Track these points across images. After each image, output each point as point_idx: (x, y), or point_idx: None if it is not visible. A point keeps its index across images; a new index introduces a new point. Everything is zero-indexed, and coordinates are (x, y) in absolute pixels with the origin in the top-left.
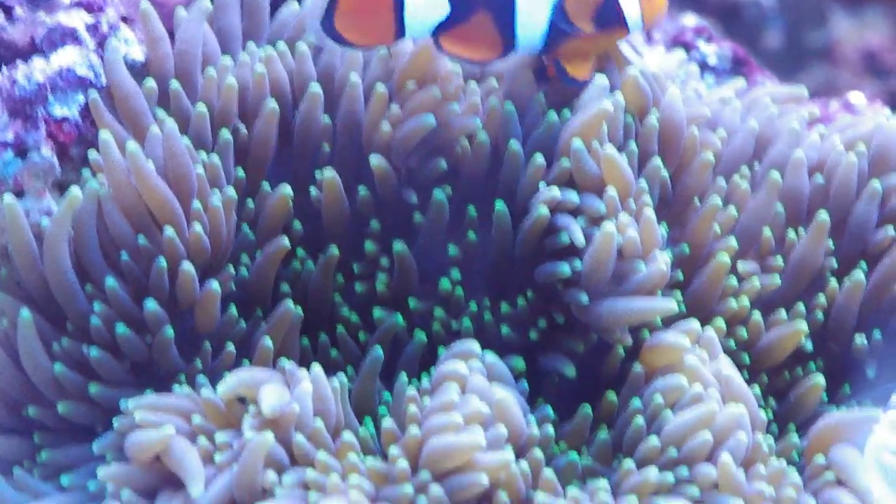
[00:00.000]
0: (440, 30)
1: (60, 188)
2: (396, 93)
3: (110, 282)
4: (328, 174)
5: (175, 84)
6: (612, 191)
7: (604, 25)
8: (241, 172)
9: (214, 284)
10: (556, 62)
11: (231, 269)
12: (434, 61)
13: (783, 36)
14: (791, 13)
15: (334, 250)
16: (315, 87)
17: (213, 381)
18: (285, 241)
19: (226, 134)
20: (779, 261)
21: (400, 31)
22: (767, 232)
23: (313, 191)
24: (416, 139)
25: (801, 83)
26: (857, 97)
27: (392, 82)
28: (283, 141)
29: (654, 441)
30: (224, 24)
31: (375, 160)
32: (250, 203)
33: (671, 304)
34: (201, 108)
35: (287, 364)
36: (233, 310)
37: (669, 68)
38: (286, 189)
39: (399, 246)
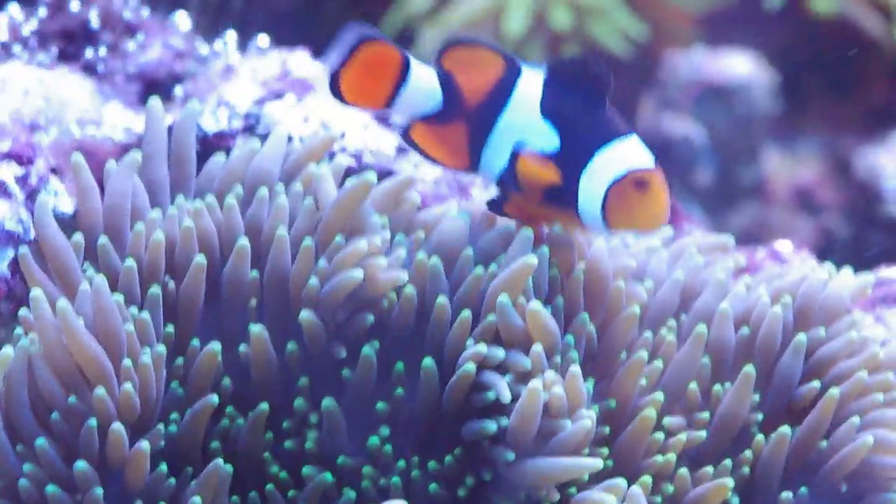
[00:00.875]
0: (423, 119)
1: None
2: (322, 247)
3: (40, 442)
4: (256, 330)
5: (103, 239)
6: (537, 346)
7: (553, 205)
8: (169, 328)
9: (144, 444)
10: (492, 204)
11: (160, 427)
12: (358, 211)
13: (714, 173)
14: (722, 149)
15: (264, 406)
16: (242, 241)
17: None
18: (214, 398)
19: (155, 289)
20: (705, 415)
21: (389, 103)
22: (694, 385)
23: (242, 346)
24: (344, 294)
25: (732, 220)
26: (783, 245)
27: (318, 234)
28: (212, 295)
29: None
30: (153, 175)
31: (305, 315)
32: (179, 360)
33: (597, 462)
34: (130, 263)
35: None
36: (163, 467)
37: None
38: (215, 346)
39: (328, 402)
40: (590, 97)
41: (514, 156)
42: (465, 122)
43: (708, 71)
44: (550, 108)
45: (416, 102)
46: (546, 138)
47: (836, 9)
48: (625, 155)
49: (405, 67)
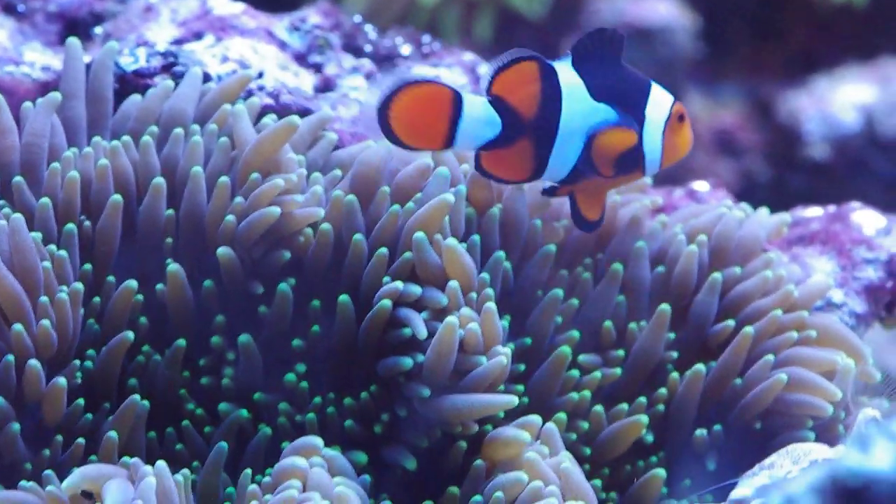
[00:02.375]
0: (486, 147)
1: None
2: (239, 184)
3: None
4: (172, 268)
5: (18, 178)
6: (454, 283)
7: (624, 171)
8: (87, 266)
9: (61, 380)
10: (571, 198)
11: (77, 363)
12: (277, 151)
13: None
14: None
15: (180, 343)
16: (158, 179)
17: (62, 475)
18: (129, 334)
19: (70, 227)
20: (620, 353)
21: (450, 142)
22: (609, 324)
23: (159, 285)
24: (261, 230)
25: None
26: (700, 185)
27: (235, 173)
28: (128, 234)
29: None
30: (70, 114)
31: (222, 251)
32: (96, 299)
33: (511, 399)
34: (45, 200)
35: (132, 459)
36: (79, 402)
37: None
38: (131, 283)
39: (244, 338)
40: (611, 62)
41: (588, 144)
42: (528, 137)
43: (630, 14)
44: (597, 89)
45: (475, 134)
46: (605, 118)
47: None
48: (660, 99)
49: (458, 103)
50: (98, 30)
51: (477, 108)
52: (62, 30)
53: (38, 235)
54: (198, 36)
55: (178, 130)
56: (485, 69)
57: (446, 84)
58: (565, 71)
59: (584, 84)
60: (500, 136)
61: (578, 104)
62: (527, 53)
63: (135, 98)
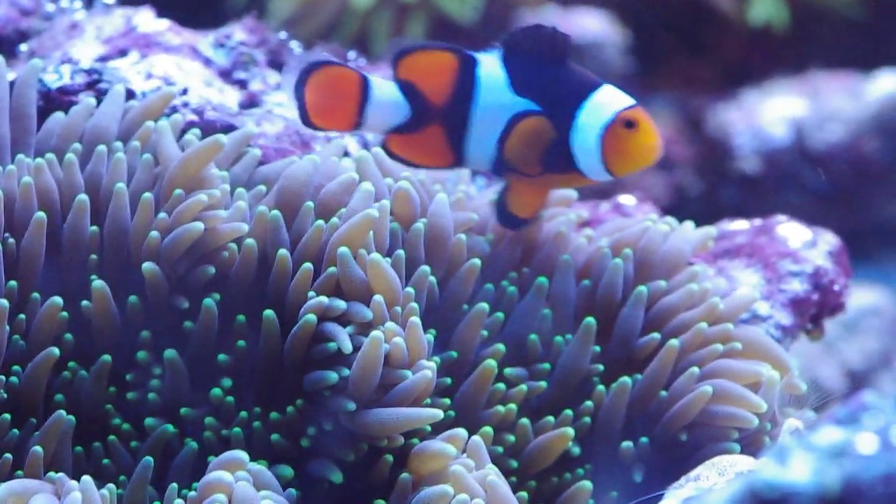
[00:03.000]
0: (393, 132)
1: None
2: (163, 201)
3: None
4: (97, 284)
5: None
6: (378, 298)
7: (552, 168)
8: (12, 283)
9: None
10: (499, 196)
11: (2, 379)
12: (202, 169)
13: None
14: None
15: (106, 358)
16: (81, 197)
17: None
18: (55, 350)
19: None
20: (546, 366)
21: (358, 124)
22: (534, 337)
23: (85, 302)
24: (185, 246)
25: None
26: (626, 199)
27: (159, 190)
28: (53, 251)
29: None
30: None
31: (147, 266)
32: (21, 316)
33: (437, 413)
34: None
35: (58, 474)
36: (5, 417)
37: (441, 174)
38: (56, 300)
39: (170, 353)
40: (552, 61)
41: (502, 139)
42: (439, 123)
43: (560, 28)
44: (521, 84)
45: (384, 117)
46: (528, 111)
47: None
48: (606, 101)
49: (365, 86)
50: (23, 47)
51: (385, 92)
52: None
53: None
54: (122, 53)
55: (102, 148)
56: None
57: (354, 68)
58: (489, 62)
59: (508, 77)
60: (409, 121)
61: (496, 96)
62: (442, 44)
63: (58, 115)
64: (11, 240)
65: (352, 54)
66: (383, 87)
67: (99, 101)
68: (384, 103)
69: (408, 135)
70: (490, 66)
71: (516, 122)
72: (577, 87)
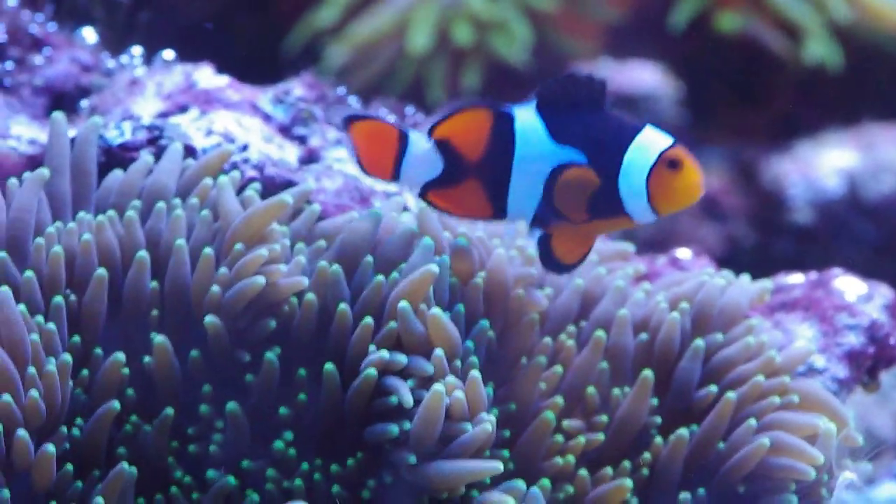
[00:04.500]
0: (430, 186)
1: None
2: (224, 256)
3: None
4: (158, 339)
5: (2, 253)
6: (439, 352)
7: (599, 214)
8: (75, 338)
9: (50, 447)
10: (542, 240)
11: (64, 431)
12: (266, 226)
13: None
14: None
15: (169, 411)
16: (142, 254)
17: None
18: (115, 404)
19: (58, 300)
20: (604, 418)
21: (395, 175)
22: (592, 390)
23: (146, 358)
24: (246, 300)
25: (640, 229)
26: (683, 252)
27: (218, 245)
28: (114, 307)
29: None
30: (55, 189)
31: (210, 319)
32: (84, 371)
33: (497, 465)
34: (29, 274)
35: None
36: (69, 468)
37: (498, 226)
38: (119, 356)
39: (231, 406)
40: (588, 106)
41: (549, 187)
42: (475, 177)
43: (615, 81)
44: (561, 132)
45: (419, 170)
46: (571, 160)
47: (741, 26)
48: (649, 144)
49: (404, 140)
50: (84, 103)
51: (420, 147)
52: (49, 103)
53: (23, 308)
54: (183, 109)
55: (161, 204)
56: None
57: (396, 124)
58: (525, 114)
59: (546, 127)
60: (442, 175)
61: (535, 147)
62: (478, 101)
63: (117, 173)
64: (73, 297)
65: (409, 109)
66: (419, 142)
67: (159, 158)
68: (419, 157)
69: (444, 189)
70: (526, 117)
71: (559, 172)
72: (618, 131)
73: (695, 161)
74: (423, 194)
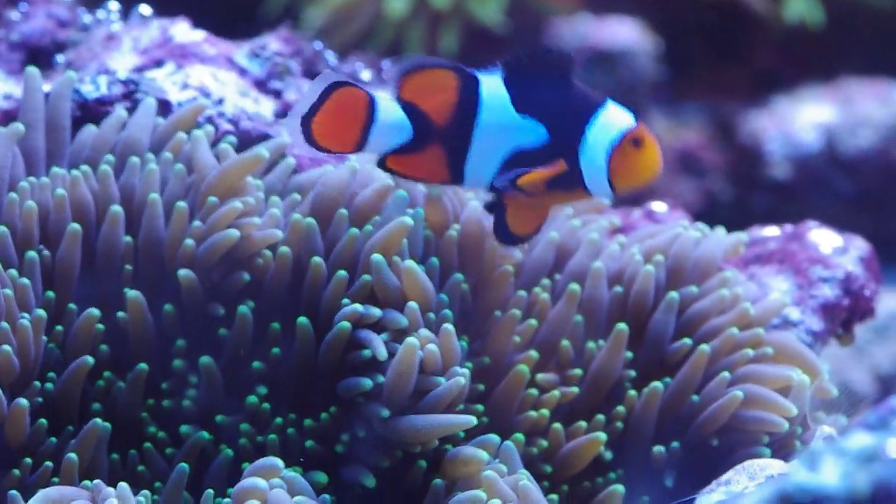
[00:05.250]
0: (397, 151)
1: None
2: (198, 209)
3: None
4: (132, 294)
5: None
6: (413, 305)
7: (559, 187)
8: (49, 293)
9: (22, 401)
10: (497, 213)
11: (37, 385)
12: (241, 180)
13: None
14: None
15: (142, 366)
16: (115, 208)
17: (27, 497)
18: (89, 359)
19: (32, 255)
20: (578, 371)
21: (361, 146)
22: (566, 343)
23: (120, 313)
24: (220, 253)
25: None
26: (658, 206)
27: (192, 199)
28: (89, 262)
29: None
30: (30, 144)
31: (183, 273)
32: (58, 327)
33: (470, 419)
34: (2, 229)
35: (94, 481)
36: (43, 423)
37: None
38: (93, 311)
39: (205, 360)
40: (555, 79)
41: (507, 161)
42: (439, 142)
43: (593, 37)
44: (524, 103)
45: (387, 139)
46: (532, 133)
47: None
48: (611, 121)
49: (372, 107)
50: (60, 58)
51: (390, 114)
52: (25, 58)
53: None
54: (159, 64)
55: (135, 159)
56: None
57: (362, 87)
58: (491, 81)
59: (510, 97)
60: (410, 142)
61: (499, 116)
62: (444, 62)
63: (90, 128)
64: (47, 252)
65: (386, 63)
66: (388, 109)
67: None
68: (388, 125)
69: (407, 155)
70: (492, 84)
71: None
72: (581, 106)
73: (655, 140)
74: (380, 162)
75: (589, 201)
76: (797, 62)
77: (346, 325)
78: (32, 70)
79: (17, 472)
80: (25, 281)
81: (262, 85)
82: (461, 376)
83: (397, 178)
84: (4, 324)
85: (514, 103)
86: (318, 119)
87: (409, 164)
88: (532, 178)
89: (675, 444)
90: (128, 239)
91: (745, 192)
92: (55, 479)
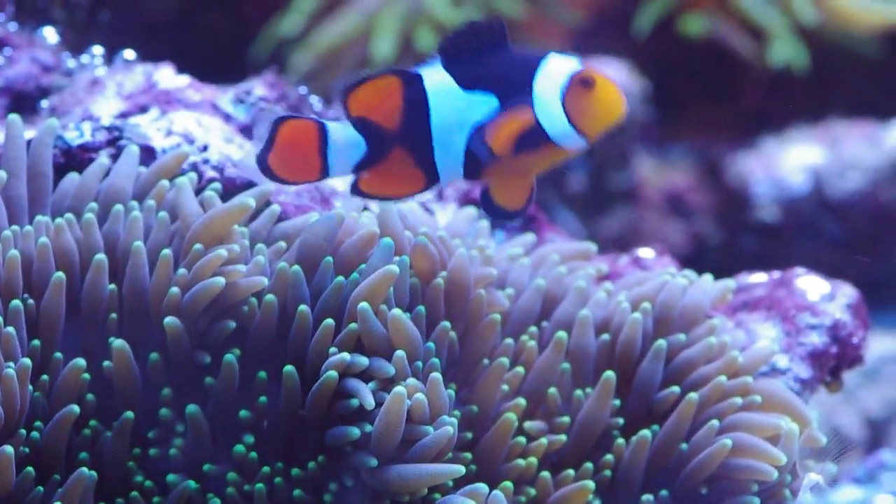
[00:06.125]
0: (361, 168)
1: None
2: (182, 257)
3: None
4: (117, 343)
5: None
6: (400, 353)
7: (528, 148)
8: (35, 342)
9: (8, 448)
10: (483, 193)
11: (23, 433)
12: (227, 229)
13: (587, 178)
14: (595, 155)
15: (128, 414)
16: (99, 257)
17: None
18: (75, 407)
19: (16, 304)
20: (566, 419)
21: (325, 171)
22: (554, 391)
23: (106, 362)
24: (206, 301)
25: (605, 225)
26: (645, 252)
27: (177, 247)
28: (73, 311)
29: None
30: (12, 192)
31: (169, 321)
32: (44, 376)
33: (458, 468)
34: None
35: None
36: (30, 471)
37: (459, 227)
38: (79, 362)
39: (191, 408)
40: (492, 48)
41: (473, 138)
42: (401, 146)
43: None
44: (470, 80)
45: (345, 158)
46: (485, 104)
47: (706, 30)
48: (556, 69)
49: (322, 132)
50: (44, 103)
51: (340, 134)
52: (9, 103)
53: None
54: (143, 109)
55: (118, 207)
56: None
57: (309, 117)
58: (432, 73)
59: (454, 79)
60: (368, 154)
61: (449, 101)
62: (383, 69)
63: (72, 176)
64: (31, 301)
65: None
66: (338, 129)
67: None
68: (342, 145)
69: (374, 168)
70: (434, 74)
71: (492, 124)
72: (523, 65)
73: (607, 77)
74: (354, 188)
75: (578, 248)
76: (785, 104)
77: (334, 374)
78: (14, 118)
79: None
80: (10, 330)
81: (247, 131)
82: (449, 425)
83: (382, 211)
84: None
85: (460, 83)
86: (273, 156)
87: (380, 181)
88: (499, 135)
89: (664, 492)
90: (112, 287)
91: (732, 235)
92: None
